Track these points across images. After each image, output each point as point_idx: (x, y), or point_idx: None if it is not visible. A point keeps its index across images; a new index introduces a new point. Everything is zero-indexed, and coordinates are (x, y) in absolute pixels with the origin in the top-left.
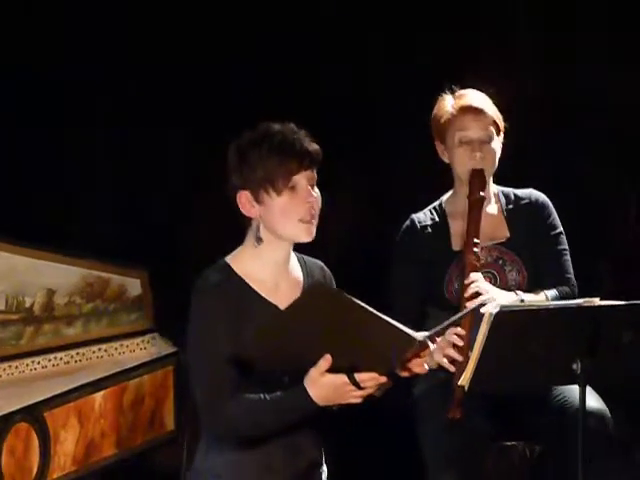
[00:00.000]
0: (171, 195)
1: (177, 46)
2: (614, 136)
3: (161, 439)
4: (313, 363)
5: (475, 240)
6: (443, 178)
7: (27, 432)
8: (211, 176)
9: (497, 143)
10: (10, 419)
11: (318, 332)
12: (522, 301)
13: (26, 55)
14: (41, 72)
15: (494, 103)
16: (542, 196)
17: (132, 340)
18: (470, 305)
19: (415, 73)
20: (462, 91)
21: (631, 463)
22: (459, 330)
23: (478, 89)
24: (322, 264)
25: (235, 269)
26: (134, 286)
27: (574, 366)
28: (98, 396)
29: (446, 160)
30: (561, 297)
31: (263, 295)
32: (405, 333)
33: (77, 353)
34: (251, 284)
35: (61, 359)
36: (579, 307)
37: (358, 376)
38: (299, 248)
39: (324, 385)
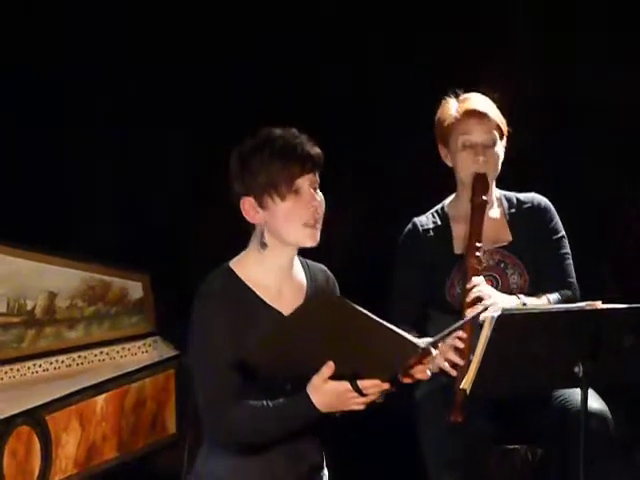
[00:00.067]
0: (171, 195)
1: (177, 46)
2: (614, 136)
3: (162, 442)
4: (316, 370)
5: (477, 244)
6: (444, 177)
7: (29, 435)
8: (211, 176)
9: (500, 147)
10: (12, 422)
11: (321, 339)
12: (524, 305)
13: (26, 55)
14: (41, 72)
15: (497, 107)
16: (544, 200)
17: (134, 343)
18: (473, 311)
19: (415, 73)
20: (466, 95)
21: (632, 464)
22: (460, 334)
23: (481, 93)
24: (325, 268)
25: (239, 274)
26: (136, 289)
27: (576, 369)
28: (100, 399)
29: (449, 164)
30: (563, 301)
31: (267, 301)
32: (408, 340)
33: (79, 356)
34: (255, 290)
35: (63, 362)
36: (581, 310)
37: (361, 383)
38: (302, 252)
39: (327, 392)
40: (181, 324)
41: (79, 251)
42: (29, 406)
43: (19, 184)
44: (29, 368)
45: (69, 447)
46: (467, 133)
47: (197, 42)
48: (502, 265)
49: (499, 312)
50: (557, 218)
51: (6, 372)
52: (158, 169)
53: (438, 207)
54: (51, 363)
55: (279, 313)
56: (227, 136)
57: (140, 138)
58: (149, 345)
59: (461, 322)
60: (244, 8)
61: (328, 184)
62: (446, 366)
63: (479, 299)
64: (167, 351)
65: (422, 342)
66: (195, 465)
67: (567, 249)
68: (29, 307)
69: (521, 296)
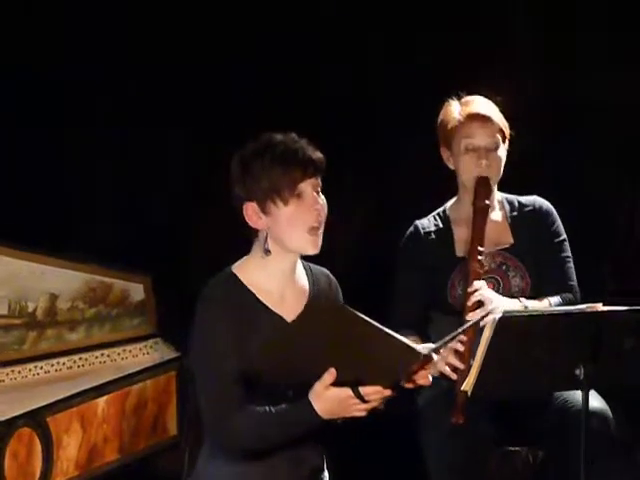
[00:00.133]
0: (171, 195)
1: (177, 46)
2: (614, 136)
3: (164, 444)
4: (318, 377)
5: (479, 248)
6: (444, 178)
7: (30, 437)
8: (211, 176)
9: (503, 151)
10: (13, 424)
11: (323, 346)
12: (525, 308)
13: (26, 55)
14: (41, 72)
15: (500, 110)
16: (546, 203)
17: (135, 345)
18: (474, 315)
19: (415, 73)
20: (469, 97)
21: (633, 463)
22: (461, 337)
23: (484, 96)
24: (328, 272)
25: (241, 279)
26: (137, 291)
27: (577, 371)
28: (101, 401)
29: (451, 166)
30: (564, 304)
31: (269, 306)
32: (410, 347)
33: (80, 358)
34: (257, 295)
35: (64, 364)
36: (581, 313)
37: (363, 390)
38: (304, 255)
39: (328, 399)
40: (182, 326)
41: (79, 251)
42: (30, 408)
43: (19, 184)
44: (30, 370)
45: (70, 449)
46: (470, 136)
47: (197, 42)
48: (504, 267)
49: (500, 314)
50: (559, 221)
51: (7, 374)
52: (158, 169)
53: (440, 210)
54: (52, 365)
55: (281, 318)
56: (227, 136)
57: (140, 138)
58: (150, 347)
59: (463, 328)
60: (244, 8)
61: (328, 184)
62: (447, 370)
63: (480, 303)
64: (168, 353)
65: (424, 348)
66: (196, 468)
67: (568, 252)
68: (30, 309)
69: (522, 299)
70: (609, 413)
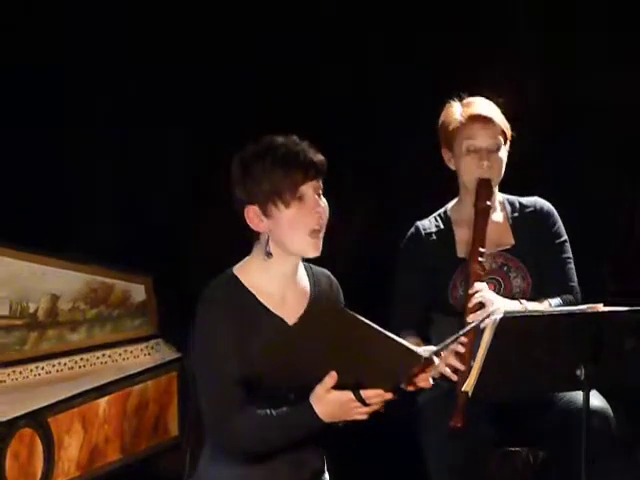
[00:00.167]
0: (171, 195)
1: (177, 46)
2: (614, 136)
3: (165, 445)
4: (319, 380)
5: (481, 249)
6: (444, 178)
7: (31, 437)
8: (211, 176)
9: (504, 152)
10: (14, 424)
11: (324, 349)
12: (526, 309)
13: (26, 55)
14: (41, 72)
15: (501, 111)
16: (547, 204)
17: (136, 346)
18: (475, 317)
19: (415, 73)
20: (470, 99)
21: (633, 463)
22: (462, 339)
23: (486, 97)
24: (329, 273)
25: (242, 281)
26: (138, 292)
27: (578, 372)
28: (102, 402)
29: (452, 167)
30: (565, 305)
31: (270, 308)
32: (411, 350)
33: (81, 359)
34: (258, 297)
35: (65, 365)
36: (582, 313)
37: (364, 393)
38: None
39: (330, 402)
40: (183, 326)
41: (78, 251)
42: (32, 408)
43: (19, 184)
44: (31, 370)
45: (71, 449)
46: (472, 138)
47: (197, 42)
48: (505, 268)
49: (501, 315)
50: (560, 222)
51: (8, 374)
52: (158, 169)
53: (441, 211)
54: (53, 365)
55: (282, 320)
56: (227, 136)
57: (140, 138)
58: (151, 347)
59: (463, 330)
60: (244, 8)
61: (328, 185)
62: (447, 371)
63: (481, 305)
64: (169, 353)
65: (425, 351)
66: (197, 470)
67: (569, 253)
68: (31, 310)
69: (523, 301)
70: (610, 412)
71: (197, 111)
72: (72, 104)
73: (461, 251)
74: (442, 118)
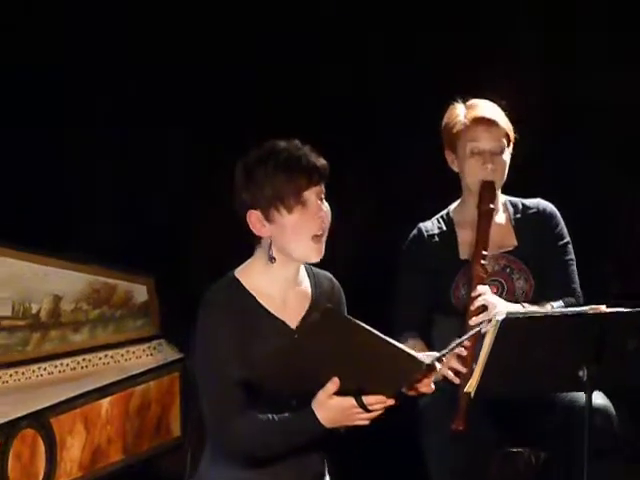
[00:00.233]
0: (171, 195)
1: (177, 46)
2: (614, 136)
3: (167, 445)
4: (321, 386)
5: (483, 252)
6: (444, 177)
7: (33, 438)
8: (211, 176)
9: (507, 154)
10: (16, 425)
11: (326, 356)
12: None
13: (26, 55)
14: (41, 72)
15: (505, 114)
16: (550, 206)
17: (138, 346)
18: (477, 319)
19: (415, 73)
20: (474, 101)
21: (635, 461)
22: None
23: (489, 99)
24: (331, 276)
25: (244, 284)
26: (140, 292)
27: (580, 373)
28: (104, 402)
29: (455, 169)
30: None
31: (271, 311)
32: (413, 357)
33: (83, 359)
34: (259, 300)
35: (67, 365)
36: (584, 314)
37: (366, 399)
38: None
39: (331, 408)
40: (186, 327)
41: (78, 252)
42: (34, 409)
43: (19, 184)
44: (34, 371)
45: (74, 450)
46: (476, 140)
47: (197, 42)
48: (508, 270)
49: (503, 316)
50: (562, 224)
51: (11, 375)
52: (158, 169)
53: (443, 212)
54: (56, 366)
55: (283, 323)
56: (227, 136)
57: (140, 138)
58: (154, 348)
59: (466, 336)
60: (244, 8)
61: (328, 185)
62: (449, 374)
63: (484, 308)
64: (172, 354)
65: (427, 357)
66: (198, 472)
67: (572, 255)
68: (34, 310)
69: (526, 305)
70: (612, 410)
71: (197, 111)
72: (72, 104)
73: (464, 253)
74: (445, 120)
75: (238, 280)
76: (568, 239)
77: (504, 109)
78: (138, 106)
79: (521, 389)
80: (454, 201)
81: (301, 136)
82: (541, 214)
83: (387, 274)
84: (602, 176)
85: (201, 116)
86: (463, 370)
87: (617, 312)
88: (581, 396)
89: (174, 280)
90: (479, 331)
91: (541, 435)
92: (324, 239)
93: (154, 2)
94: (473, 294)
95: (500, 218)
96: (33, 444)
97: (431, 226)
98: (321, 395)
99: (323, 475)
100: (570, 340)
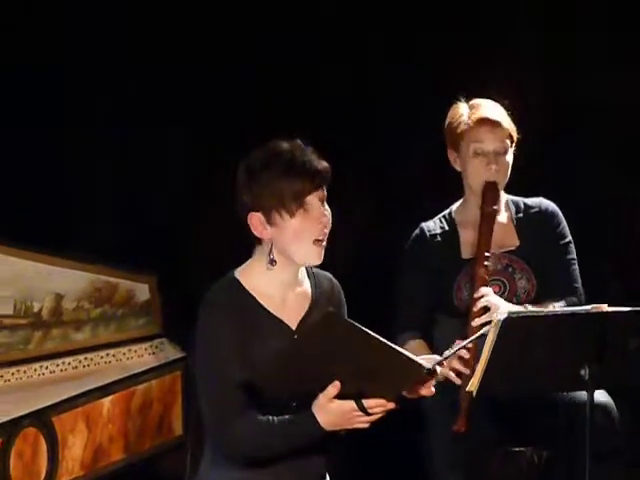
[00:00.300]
0: (171, 195)
1: (177, 46)
2: (614, 136)
3: (169, 444)
4: (322, 389)
5: (486, 254)
6: (444, 177)
7: (35, 437)
8: (211, 176)
9: (510, 155)
10: (18, 424)
11: (327, 359)
12: None
13: (26, 55)
14: (41, 72)
15: (508, 114)
16: (552, 205)
17: (140, 345)
18: (479, 320)
19: (415, 73)
20: (477, 101)
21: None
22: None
23: (492, 99)
24: (331, 276)
25: (244, 284)
26: (142, 291)
27: (582, 372)
28: (106, 401)
29: (458, 168)
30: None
31: (271, 311)
32: (413, 361)
33: (85, 358)
34: (259, 300)
35: (69, 364)
36: (586, 313)
37: (366, 402)
38: None
39: (332, 411)
40: (187, 326)
41: (78, 251)
42: (36, 408)
43: (19, 184)
44: (36, 370)
45: (75, 449)
46: (479, 141)
47: (197, 42)
48: (510, 270)
49: (505, 315)
50: (564, 223)
51: (13, 374)
52: (158, 169)
53: (445, 212)
54: (58, 365)
55: (283, 323)
56: (227, 136)
57: (140, 138)
58: (156, 347)
59: (468, 340)
60: (244, 8)
61: (328, 185)
62: (451, 375)
63: (486, 309)
64: (173, 353)
65: (428, 361)
66: (198, 474)
67: (573, 254)
68: (36, 309)
69: (528, 306)
70: (614, 408)
71: (197, 111)
72: (72, 104)
73: (466, 253)
74: (448, 119)
75: (238, 280)
76: (570, 238)
77: (507, 109)
78: (138, 106)
79: (523, 388)
80: (454, 201)
81: (301, 136)
82: (543, 213)
83: (387, 274)
84: (602, 176)
85: (201, 116)
86: (465, 371)
87: (619, 311)
88: (582, 396)
89: (174, 280)
90: (481, 335)
91: (543, 434)
92: (325, 243)
93: (154, 2)
94: (476, 295)
95: (502, 217)
96: (35, 443)
97: (433, 226)
98: (322, 398)
99: (323, 477)
100: (572, 339)
